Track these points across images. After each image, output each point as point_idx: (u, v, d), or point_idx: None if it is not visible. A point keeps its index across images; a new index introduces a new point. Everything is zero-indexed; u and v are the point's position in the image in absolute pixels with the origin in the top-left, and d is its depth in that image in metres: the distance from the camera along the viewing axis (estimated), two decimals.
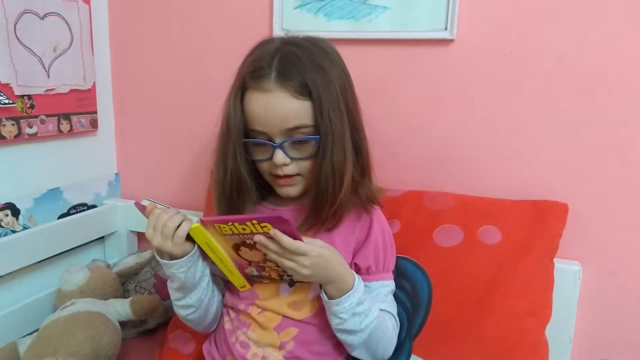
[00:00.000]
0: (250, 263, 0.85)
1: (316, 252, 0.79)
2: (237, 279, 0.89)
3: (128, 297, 1.31)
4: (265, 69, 0.82)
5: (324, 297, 0.84)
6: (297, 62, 0.82)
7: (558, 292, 1.03)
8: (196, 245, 0.85)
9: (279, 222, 0.75)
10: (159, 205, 0.86)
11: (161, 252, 0.85)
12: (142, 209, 0.86)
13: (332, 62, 0.86)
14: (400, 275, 1.03)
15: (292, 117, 0.82)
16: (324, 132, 0.82)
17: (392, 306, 0.93)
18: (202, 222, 0.81)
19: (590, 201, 1.10)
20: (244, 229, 0.77)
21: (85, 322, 1.09)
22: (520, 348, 0.96)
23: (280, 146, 0.83)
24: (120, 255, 1.49)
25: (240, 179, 0.88)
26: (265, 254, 0.80)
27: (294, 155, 0.85)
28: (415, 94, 1.21)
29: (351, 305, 0.83)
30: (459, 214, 1.08)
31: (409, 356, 0.98)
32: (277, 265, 0.82)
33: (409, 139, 1.22)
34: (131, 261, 1.38)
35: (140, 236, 1.54)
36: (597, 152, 1.09)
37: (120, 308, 1.21)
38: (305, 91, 0.81)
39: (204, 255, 0.87)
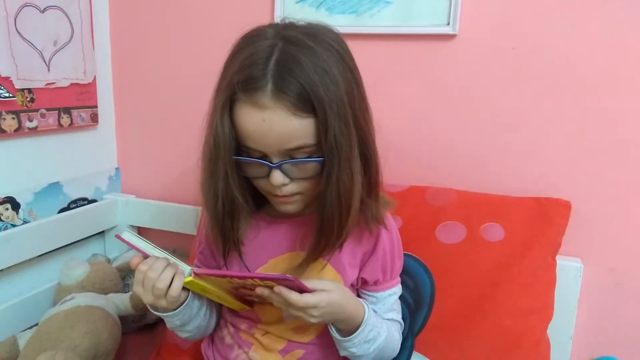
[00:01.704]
0: (250, 295, 0.80)
1: (325, 302, 0.72)
2: (235, 306, 0.85)
3: (128, 291, 1.30)
4: (260, 79, 0.68)
5: (334, 333, 0.80)
6: (298, 69, 0.68)
7: (559, 289, 1.03)
8: (190, 292, 0.79)
9: (285, 280, 0.68)
10: (142, 245, 0.77)
11: (154, 307, 0.79)
12: (125, 242, 0.77)
13: (339, 60, 0.72)
14: (402, 272, 1.02)
15: (292, 137, 0.70)
16: (329, 153, 0.70)
17: (398, 312, 0.90)
18: (195, 275, 0.74)
19: (592, 198, 1.10)
20: (244, 282, 0.72)
21: (85, 317, 1.09)
22: (522, 345, 0.96)
23: (279, 167, 0.72)
24: (121, 250, 1.49)
25: (233, 203, 0.77)
26: None
27: (294, 176, 0.74)
28: (417, 89, 1.20)
29: (361, 339, 0.79)
30: (462, 211, 1.08)
31: (411, 353, 0.97)
32: None
33: (411, 134, 1.22)
34: (131, 256, 1.38)
35: (141, 231, 1.54)
36: (600, 150, 1.09)
37: (120, 303, 1.21)
38: (307, 106, 0.68)
39: (199, 295, 0.82)
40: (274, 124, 0.69)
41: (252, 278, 0.70)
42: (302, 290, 0.71)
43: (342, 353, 0.83)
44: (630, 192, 1.08)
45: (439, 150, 1.20)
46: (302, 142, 0.71)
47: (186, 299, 0.79)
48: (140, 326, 1.29)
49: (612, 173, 1.09)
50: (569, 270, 1.07)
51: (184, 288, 0.75)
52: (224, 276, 0.73)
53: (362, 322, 0.79)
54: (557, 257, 1.05)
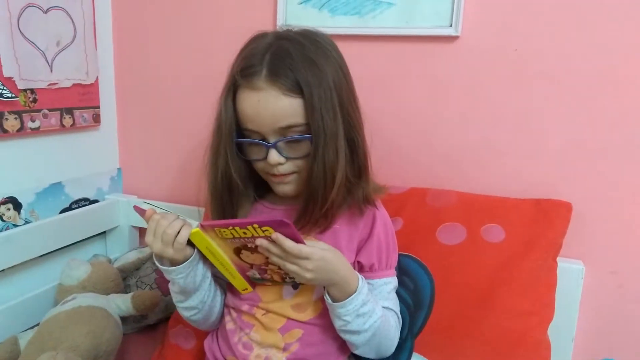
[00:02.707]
0: (252, 266, 0.84)
1: (319, 255, 0.77)
2: (238, 282, 0.88)
3: (129, 292, 1.30)
4: (256, 66, 0.79)
5: (328, 299, 0.83)
6: (289, 58, 0.79)
7: (560, 291, 1.02)
8: (196, 250, 0.83)
9: (281, 226, 0.74)
10: (158, 210, 0.84)
11: (161, 258, 0.84)
12: (141, 212, 0.84)
13: (327, 56, 0.82)
14: (402, 273, 1.02)
15: (284, 115, 0.80)
16: (316, 130, 0.79)
17: (394, 303, 0.92)
18: (202, 226, 0.80)
19: (594, 200, 1.10)
20: (244, 233, 0.76)
21: (86, 317, 1.09)
22: (522, 347, 0.96)
23: (274, 146, 0.81)
24: (122, 251, 1.49)
25: (230, 180, 0.86)
26: (267, 257, 0.79)
27: (288, 155, 0.83)
28: (419, 90, 1.20)
29: (355, 307, 0.82)
30: (462, 212, 1.08)
31: (410, 354, 0.97)
32: (280, 268, 0.81)
33: (413, 135, 1.22)
34: (133, 256, 1.38)
35: (142, 231, 1.54)
36: (602, 151, 1.08)
37: (121, 303, 1.20)
38: (296, 88, 0.79)
39: (205, 259, 0.86)
40: (267, 102, 0.79)
41: (251, 224, 0.74)
42: (298, 241, 0.76)
43: (337, 324, 0.84)
44: (632, 194, 1.08)
45: (440, 151, 1.20)
46: (292, 120, 0.80)
47: (192, 255, 0.83)
48: (142, 327, 1.29)
49: (614, 175, 1.08)
50: (571, 272, 1.07)
51: (191, 245, 0.81)
52: (227, 225, 0.77)
53: (355, 289, 0.82)
54: (559, 259, 1.05)
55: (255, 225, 0.74)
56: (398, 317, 0.92)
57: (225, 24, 1.35)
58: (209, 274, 0.89)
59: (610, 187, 1.09)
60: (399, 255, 0.98)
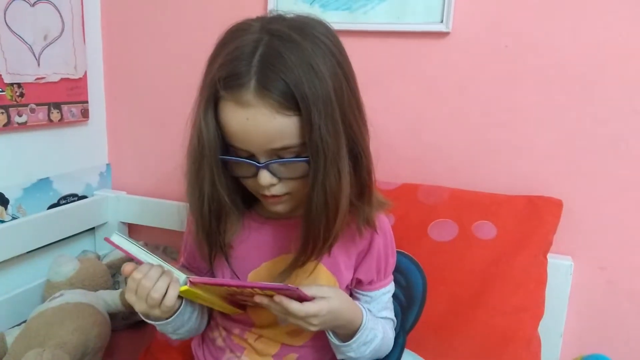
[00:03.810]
0: (246, 301, 0.79)
1: (326, 310, 0.71)
2: (229, 310, 0.83)
3: (118, 288, 1.29)
4: (243, 75, 0.65)
5: (333, 340, 0.79)
6: (282, 65, 0.65)
7: (550, 287, 1.03)
8: (184, 300, 0.76)
9: (284, 290, 0.67)
10: (136, 251, 0.75)
11: (146, 315, 0.76)
12: (114, 246, 0.76)
13: (326, 55, 0.68)
14: (394, 269, 1.02)
15: (277, 136, 0.67)
16: (314, 153, 0.67)
17: (391, 310, 0.90)
18: (191, 283, 0.72)
19: (584, 197, 1.11)
20: (242, 291, 0.70)
21: (74, 314, 1.08)
22: (513, 343, 0.96)
23: (266, 166, 0.70)
24: (111, 247, 1.47)
25: (220, 205, 0.74)
26: None
27: (282, 175, 0.71)
28: (410, 86, 1.20)
29: (359, 343, 0.79)
30: (454, 209, 1.08)
31: (402, 350, 0.97)
32: None
33: (404, 131, 1.22)
34: (121, 253, 1.37)
35: (132, 227, 1.53)
36: (592, 148, 1.09)
37: (109, 299, 1.20)
38: (291, 104, 0.65)
39: (192, 301, 0.79)
40: (257, 122, 0.66)
41: (251, 287, 0.68)
42: (302, 298, 0.69)
43: (340, 357, 0.82)
44: (621, 190, 1.09)
45: (431, 148, 1.20)
46: (287, 142, 0.68)
47: (179, 307, 0.76)
48: (130, 323, 1.28)
49: (604, 172, 1.09)
50: (560, 268, 1.08)
51: (178, 296, 0.73)
52: (221, 285, 0.71)
53: (360, 326, 0.78)
54: (548, 255, 1.05)
55: (256, 289, 0.68)
56: (394, 322, 0.91)
57: (215, 18, 1.33)
58: (196, 309, 0.82)
59: (600, 184, 1.10)
60: None
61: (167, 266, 0.73)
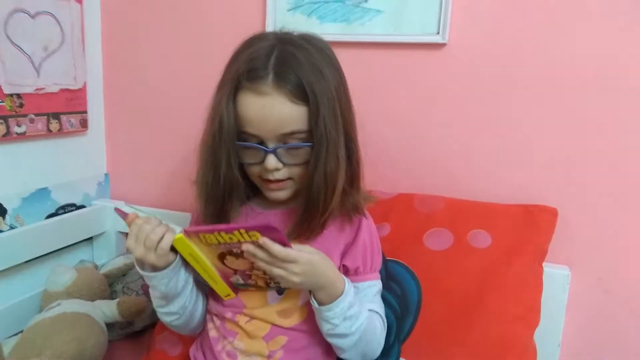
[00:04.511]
0: (235, 272, 0.83)
1: (306, 259, 0.77)
2: (221, 288, 0.86)
3: (115, 298, 1.29)
4: (262, 69, 0.78)
5: (314, 303, 0.82)
6: (295, 64, 0.78)
7: (547, 297, 1.03)
8: (178, 255, 0.82)
9: (268, 230, 0.73)
10: (140, 214, 0.83)
11: (142, 263, 0.82)
12: (123, 215, 0.83)
13: (329, 63, 0.83)
14: (389, 278, 1.02)
15: (288, 122, 0.79)
16: (319, 139, 0.79)
17: (379, 306, 0.92)
18: (186, 232, 0.79)
19: (580, 206, 1.11)
20: (230, 238, 0.75)
21: (71, 324, 1.08)
22: (508, 352, 0.96)
23: (274, 151, 0.81)
24: (109, 256, 1.48)
25: (233, 183, 0.84)
26: (252, 263, 0.78)
27: (286, 161, 0.82)
28: (407, 97, 1.21)
29: (342, 310, 0.81)
30: (449, 218, 1.08)
31: (397, 359, 0.97)
32: (264, 273, 0.80)
33: (400, 141, 1.22)
34: (119, 262, 1.37)
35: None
36: (587, 158, 1.10)
37: (107, 309, 1.20)
38: (302, 95, 0.78)
39: (187, 264, 0.84)
40: (273, 108, 0.78)
41: (238, 229, 0.73)
42: (285, 245, 0.75)
43: (325, 328, 0.84)
44: (618, 200, 1.09)
45: (427, 157, 1.21)
46: (296, 127, 0.80)
47: (174, 261, 0.82)
48: (127, 333, 1.28)
49: (600, 181, 1.09)
50: (557, 278, 1.08)
51: (173, 250, 0.80)
52: (212, 231, 0.75)
53: (342, 291, 0.82)
54: (545, 265, 1.05)
55: (242, 230, 0.73)
56: (383, 320, 0.92)
57: (214, 30, 1.35)
58: (191, 280, 0.88)
59: (596, 193, 1.10)
60: (387, 260, 0.99)
61: (166, 222, 0.82)
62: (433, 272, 1.03)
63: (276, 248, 0.74)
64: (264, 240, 0.73)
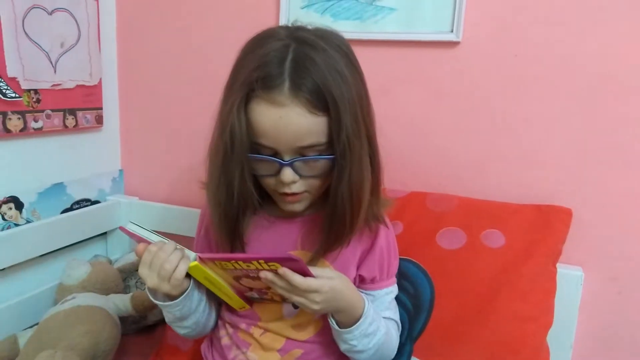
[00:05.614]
0: (251, 289, 0.81)
1: (328, 287, 0.73)
2: (235, 302, 0.85)
3: (129, 292, 1.31)
4: (277, 77, 0.70)
5: (334, 325, 0.80)
6: (312, 68, 0.70)
7: (560, 297, 1.02)
8: (192, 280, 0.79)
9: (289, 261, 0.69)
10: (149, 235, 0.79)
11: (155, 292, 0.79)
12: (129, 234, 0.80)
13: (348, 63, 0.74)
14: (402, 277, 1.02)
15: (306, 134, 0.72)
16: (341, 151, 0.72)
17: (394, 312, 0.91)
18: (201, 259, 0.75)
19: (594, 206, 1.10)
20: (248, 266, 0.72)
21: (85, 317, 1.09)
22: (521, 352, 0.95)
23: (290, 164, 0.74)
24: (122, 251, 1.49)
25: (248, 199, 0.78)
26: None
27: (304, 173, 0.76)
28: (420, 95, 1.21)
29: (361, 331, 0.80)
30: (463, 217, 1.08)
31: (409, 358, 0.97)
32: None
33: (414, 140, 1.22)
34: (133, 257, 1.39)
35: None
36: (602, 157, 1.08)
37: (120, 303, 1.21)
38: (322, 105, 0.70)
39: (200, 284, 0.81)
40: (290, 120, 0.71)
41: (257, 260, 0.70)
42: (305, 274, 0.72)
43: (343, 347, 0.83)
44: (632, 200, 1.08)
45: (440, 156, 1.21)
46: (315, 140, 0.73)
47: (187, 288, 0.79)
48: (140, 327, 1.29)
49: (614, 181, 1.08)
50: (571, 279, 1.07)
51: (187, 275, 0.76)
52: (229, 259, 0.72)
53: (362, 313, 0.79)
54: (559, 266, 1.05)
55: (261, 261, 0.70)
56: (398, 326, 0.92)
57: (228, 28, 1.35)
58: (204, 297, 0.85)
59: (610, 193, 1.09)
60: (400, 259, 0.98)
61: (179, 246, 0.77)
62: (446, 271, 1.02)
63: (297, 279, 0.70)
64: (284, 271, 0.70)
